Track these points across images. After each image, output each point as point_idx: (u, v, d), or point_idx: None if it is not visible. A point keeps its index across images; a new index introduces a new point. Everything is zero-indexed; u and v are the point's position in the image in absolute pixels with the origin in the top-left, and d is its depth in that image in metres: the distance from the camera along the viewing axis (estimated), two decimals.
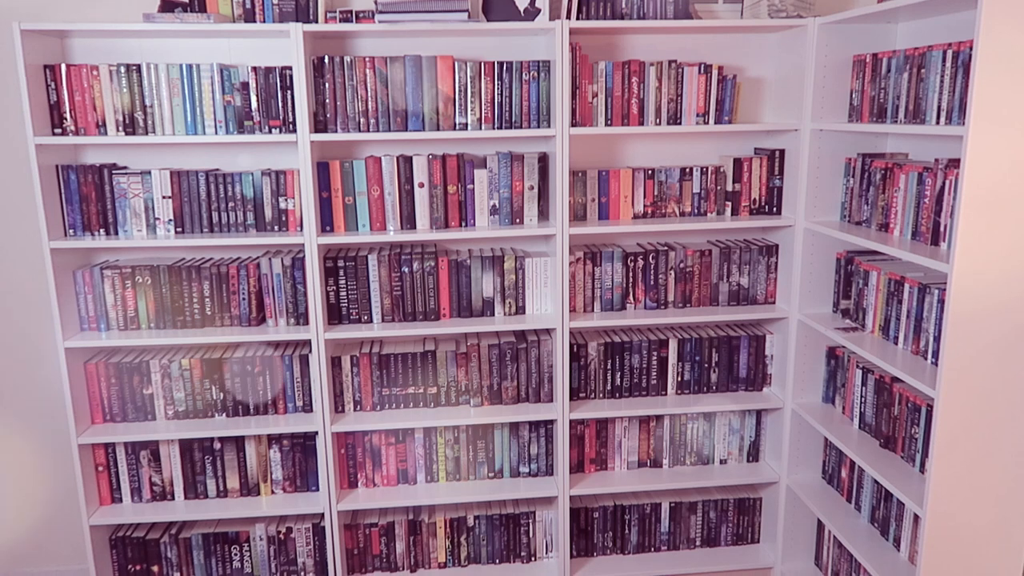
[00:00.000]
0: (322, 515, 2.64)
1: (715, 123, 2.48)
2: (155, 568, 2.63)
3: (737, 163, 2.55)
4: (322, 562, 2.67)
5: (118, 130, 2.32)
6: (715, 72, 2.44)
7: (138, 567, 2.62)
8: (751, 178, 2.57)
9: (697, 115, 2.47)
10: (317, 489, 2.63)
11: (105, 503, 2.58)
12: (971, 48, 1.76)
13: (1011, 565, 1.93)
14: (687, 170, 2.55)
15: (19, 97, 2.41)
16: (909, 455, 2.10)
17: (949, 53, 1.87)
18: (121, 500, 2.58)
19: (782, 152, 2.54)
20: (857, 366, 2.34)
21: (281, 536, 2.64)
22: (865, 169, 2.27)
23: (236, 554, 2.65)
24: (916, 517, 2.09)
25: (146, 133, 2.33)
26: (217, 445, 2.57)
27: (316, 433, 2.56)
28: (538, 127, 2.42)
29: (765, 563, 2.75)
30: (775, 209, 2.59)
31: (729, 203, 2.58)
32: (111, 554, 2.60)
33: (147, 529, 2.63)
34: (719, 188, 2.57)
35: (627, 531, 2.78)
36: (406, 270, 2.49)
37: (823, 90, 2.36)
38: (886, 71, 2.13)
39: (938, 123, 1.91)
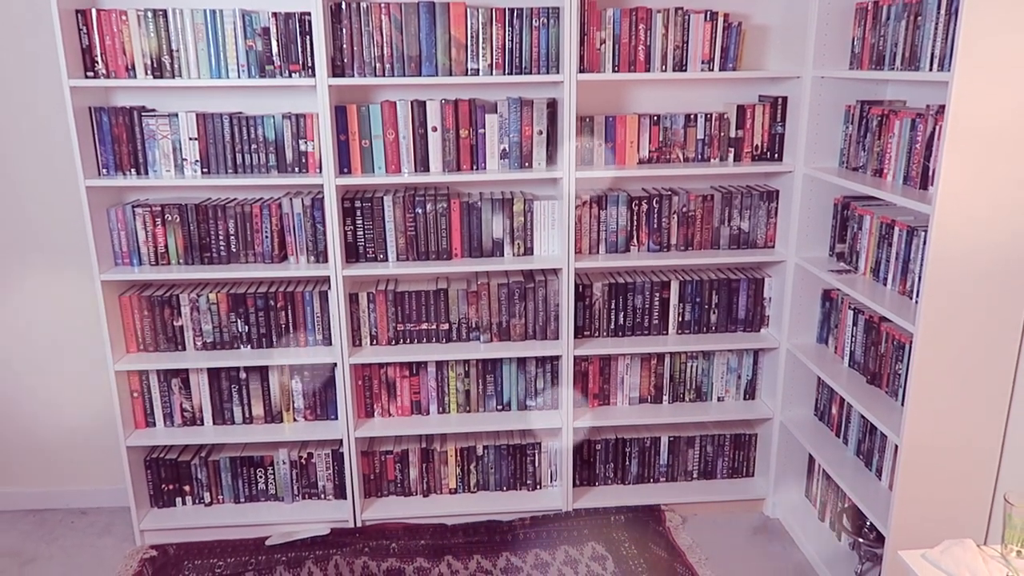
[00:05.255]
0: (341, 442, 2.81)
1: (719, 70, 2.55)
2: (187, 487, 2.83)
3: (740, 110, 2.62)
4: (341, 485, 2.85)
5: (146, 73, 2.44)
6: (720, 19, 2.50)
7: (171, 486, 2.82)
8: (754, 125, 2.64)
9: (702, 62, 2.54)
10: (336, 418, 2.80)
11: (140, 427, 2.77)
12: None
13: (981, 493, 2.05)
14: (691, 116, 2.63)
15: (53, 41, 2.53)
16: (893, 390, 2.22)
17: (943, 1, 1.92)
18: (155, 424, 2.77)
19: (784, 99, 2.60)
20: (849, 307, 2.45)
21: (303, 460, 2.83)
22: (863, 116, 2.34)
23: (261, 476, 2.84)
24: (896, 448, 2.21)
25: (173, 76, 2.44)
26: (243, 375, 2.74)
27: (335, 365, 2.71)
28: (547, 73, 2.50)
29: (758, 495, 2.90)
30: (776, 155, 2.66)
31: (732, 149, 2.66)
32: (146, 474, 2.80)
33: (179, 452, 2.83)
34: (722, 134, 2.65)
35: (627, 463, 2.94)
36: (420, 211, 2.61)
37: (825, 37, 2.41)
38: (886, 18, 2.19)
39: (931, 70, 1.97)
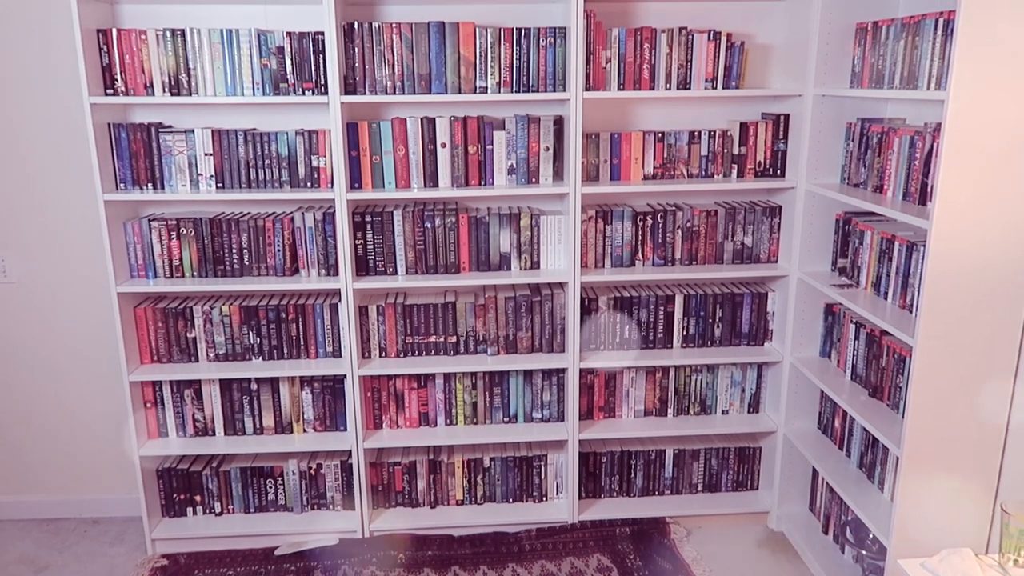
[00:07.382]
0: (349, 453, 2.85)
1: (723, 88, 2.60)
2: (198, 498, 2.87)
3: (743, 127, 2.67)
4: (349, 496, 2.88)
5: (164, 91, 2.51)
6: (724, 39, 2.56)
7: (182, 496, 2.86)
8: (757, 142, 2.69)
9: (706, 80, 2.59)
10: (345, 429, 2.84)
11: (153, 437, 2.81)
12: None
13: (982, 504, 2.08)
14: (695, 133, 2.68)
15: (75, 59, 2.60)
16: (894, 403, 2.25)
17: (940, 21, 1.97)
18: (167, 435, 2.82)
19: (786, 117, 2.65)
20: (851, 321, 2.48)
21: (312, 471, 2.86)
22: (864, 133, 2.39)
23: (271, 487, 2.88)
24: (898, 460, 2.23)
25: (190, 94, 2.51)
26: (254, 386, 2.79)
27: (344, 377, 2.76)
28: (554, 91, 2.56)
29: (762, 507, 2.92)
30: (779, 172, 2.71)
31: (735, 166, 2.71)
32: (158, 484, 2.84)
33: (191, 462, 2.87)
34: (726, 151, 2.70)
35: (633, 475, 2.96)
36: (429, 225, 2.67)
37: (827, 56, 2.46)
38: (885, 38, 2.24)
39: (929, 88, 2.02)
